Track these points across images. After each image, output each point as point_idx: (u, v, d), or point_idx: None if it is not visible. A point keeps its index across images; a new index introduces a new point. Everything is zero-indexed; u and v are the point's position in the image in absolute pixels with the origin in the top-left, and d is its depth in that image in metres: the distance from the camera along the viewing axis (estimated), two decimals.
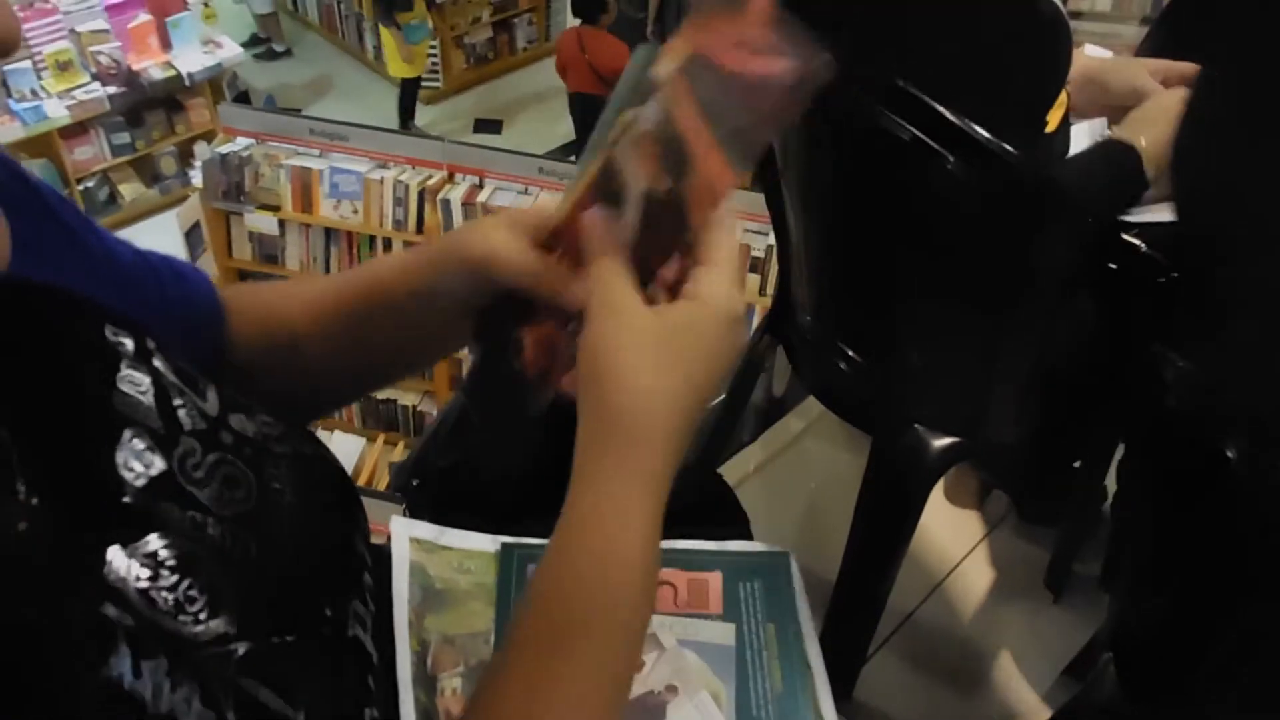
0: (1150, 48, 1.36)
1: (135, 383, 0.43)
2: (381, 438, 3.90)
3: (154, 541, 0.40)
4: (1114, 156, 1.02)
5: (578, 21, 5.02)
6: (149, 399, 0.44)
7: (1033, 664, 1.51)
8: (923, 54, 0.82)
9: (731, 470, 1.83)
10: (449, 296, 0.61)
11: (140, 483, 0.40)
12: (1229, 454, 0.70)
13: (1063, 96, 0.94)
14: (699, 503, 0.81)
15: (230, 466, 0.45)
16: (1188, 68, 1.11)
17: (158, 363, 0.45)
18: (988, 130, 0.82)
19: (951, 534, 1.67)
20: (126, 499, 0.40)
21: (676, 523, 0.54)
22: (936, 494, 1.66)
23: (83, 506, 0.39)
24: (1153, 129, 1.01)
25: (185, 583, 0.39)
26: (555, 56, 5.33)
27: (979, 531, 1.68)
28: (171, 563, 0.39)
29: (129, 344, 0.45)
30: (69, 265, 0.54)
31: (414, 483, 0.90)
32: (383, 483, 3.38)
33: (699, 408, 0.52)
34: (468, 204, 3.45)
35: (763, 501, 1.82)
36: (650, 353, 0.50)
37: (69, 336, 0.43)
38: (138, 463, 0.41)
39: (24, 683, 0.34)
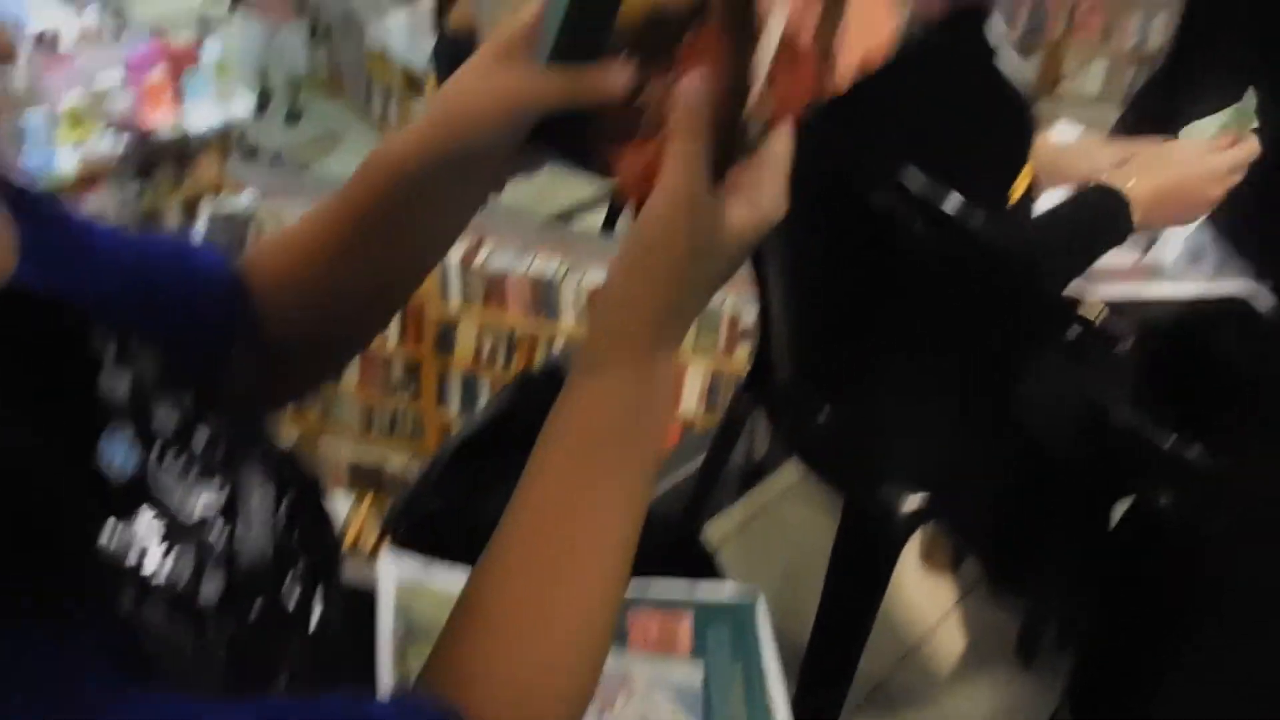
0: (1123, 128, 1.43)
1: (114, 384, 0.46)
2: (370, 497, 3.90)
3: (144, 513, 0.43)
4: (1098, 202, 1.04)
5: None
6: (126, 400, 0.47)
7: None
8: (895, 128, 0.87)
9: (713, 531, 1.85)
10: (468, 164, 0.61)
11: (123, 475, 0.44)
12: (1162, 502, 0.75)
13: (1028, 168, 1.00)
14: (680, 565, 0.85)
15: (202, 464, 0.48)
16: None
17: (139, 364, 0.49)
18: (955, 199, 0.87)
19: (925, 599, 1.69)
20: (113, 484, 0.44)
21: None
22: (911, 559, 1.70)
23: (73, 491, 0.42)
24: (1144, 174, 1.04)
25: (174, 552, 0.43)
26: None
27: (952, 597, 1.71)
28: (162, 533, 0.43)
29: (112, 347, 0.48)
30: (65, 262, 0.56)
31: (401, 528, 0.93)
32: (370, 541, 3.38)
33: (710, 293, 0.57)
34: (465, 264, 3.52)
35: (744, 564, 1.84)
36: (692, 256, 0.52)
37: (55, 341, 0.46)
38: (117, 458, 0.44)
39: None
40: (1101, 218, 1.03)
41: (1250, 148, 1.05)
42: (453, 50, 5.49)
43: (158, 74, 5.23)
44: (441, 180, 0.62)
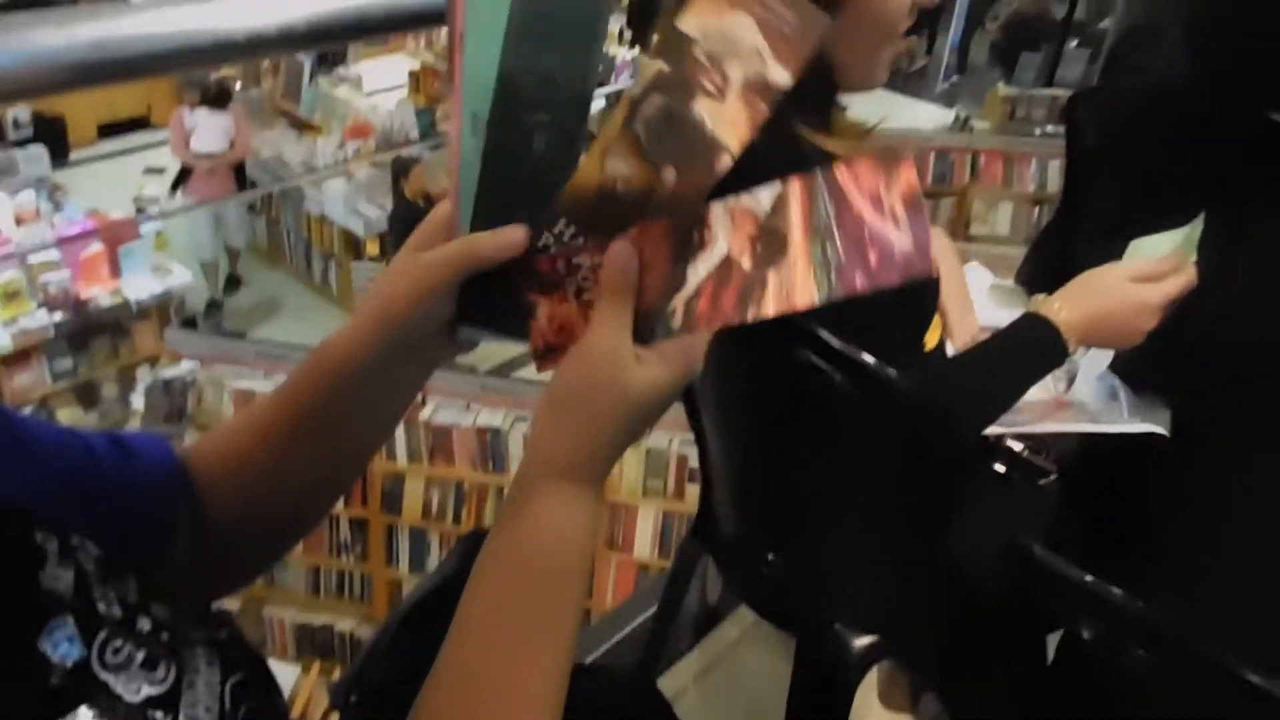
0: (1027, 271, 1.52)
1: (57, 579, 0.47)
2: (317, 665, 3.77)
3: (83, 713, 0.44)
4: (1030, 331, 1.06)
5: None
6: (69, 593, 0.48)
7: None
8: None
9: (669, 682, 1.83)
10: (406, 353, 0.64)
11: (65, 667, 0.44)
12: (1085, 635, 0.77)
13: (937, 320, 1.05)
14: (638, 718, 0.85)
15: (147, 651, 0.49)
16: None
17: (80, 558, 0.50)
18: (870, 353, 0.92)
19: None
20: (54, 680, 0.44)
21: None
22: (870, 697, 1.69)
23: (13, 691, 0.43)
24: (1073, 303, 1.06)
25: None
26: None
27: None
28: None
29: (54, 545, 0.49)
30: (4, 462, 0.57)
31: (352, 699, 0.91)
32: (319, 712, 3.26)
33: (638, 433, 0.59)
34: (409, 421, 3.52)
35: (702, 713, 1.81)
36: (613, 406, 0.55)
37: None
38: (59, 651, 0.45)
39: None
40: (1034, 346, 1.06)
41: (1186, 279, 1.05)
42: (408, 217, 5.65)
43: (95, 247, 5.27)
44: (379, 371, 0.64)
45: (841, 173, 0.53)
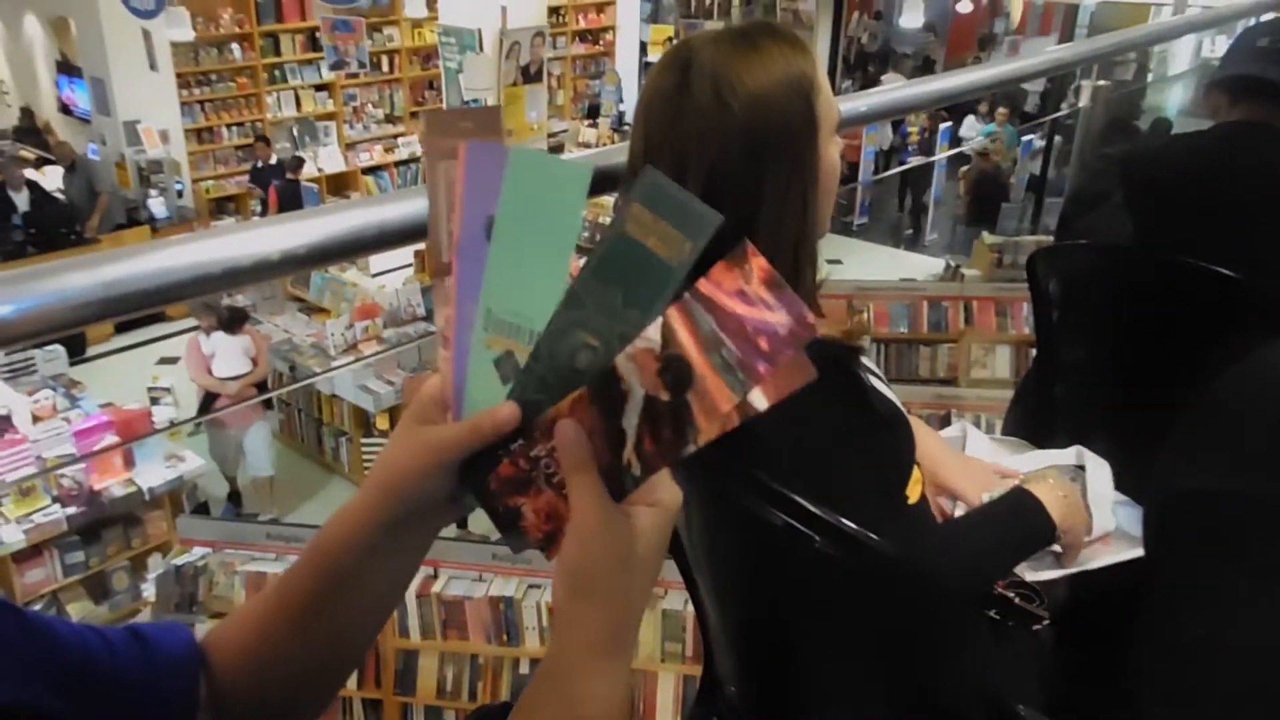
0: (1011, 421, 1.56)
1: None
2: None
3: None
4: (1017, 509, 1.11)
5: None
6: None
7: None
8: (776, 450, 0.95)
9: None
10: (411, 521, 0.67)
11: None
12: None
13: (916, 473, 1.08)
14: None
15: None
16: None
17: None
18: (850, 516, 0.95)
19: None
20: None
21: None
22: None
23: None
24: (1050, 491, 1.12)
25: None
26: None
27: None
28: None
29: None
30: (26, 668, 0.59)
31: None
32: None
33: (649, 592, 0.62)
34: (422, 595, 3.51)
35: None
36: (622, 567, 0.58)
37: None
38: None
39: None
40: (1029, 520, 1.11)
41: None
42: None
43: (108, 443, 5.35)
44: (387, 541, 0.67)
45: (705, 285, 0.57)
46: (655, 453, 0.59)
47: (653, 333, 0.58)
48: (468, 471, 0.64)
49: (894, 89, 1.83)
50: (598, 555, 0.59)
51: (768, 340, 0.56)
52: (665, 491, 0.60)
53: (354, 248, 0.83)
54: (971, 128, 11.25)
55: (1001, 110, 10.77)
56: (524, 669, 3.54)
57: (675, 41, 1.13)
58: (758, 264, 0.56)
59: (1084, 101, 2.53)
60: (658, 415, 0.58)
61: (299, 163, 9.99)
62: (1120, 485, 1.15)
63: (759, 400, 0.57)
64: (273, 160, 9.86)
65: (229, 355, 6.07)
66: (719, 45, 1.00)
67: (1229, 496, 0.84)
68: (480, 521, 6.12)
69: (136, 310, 0.73)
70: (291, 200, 9.06)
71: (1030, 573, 1.15)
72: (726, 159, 0.98)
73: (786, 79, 0.99)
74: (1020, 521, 1.13)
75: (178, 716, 0.68)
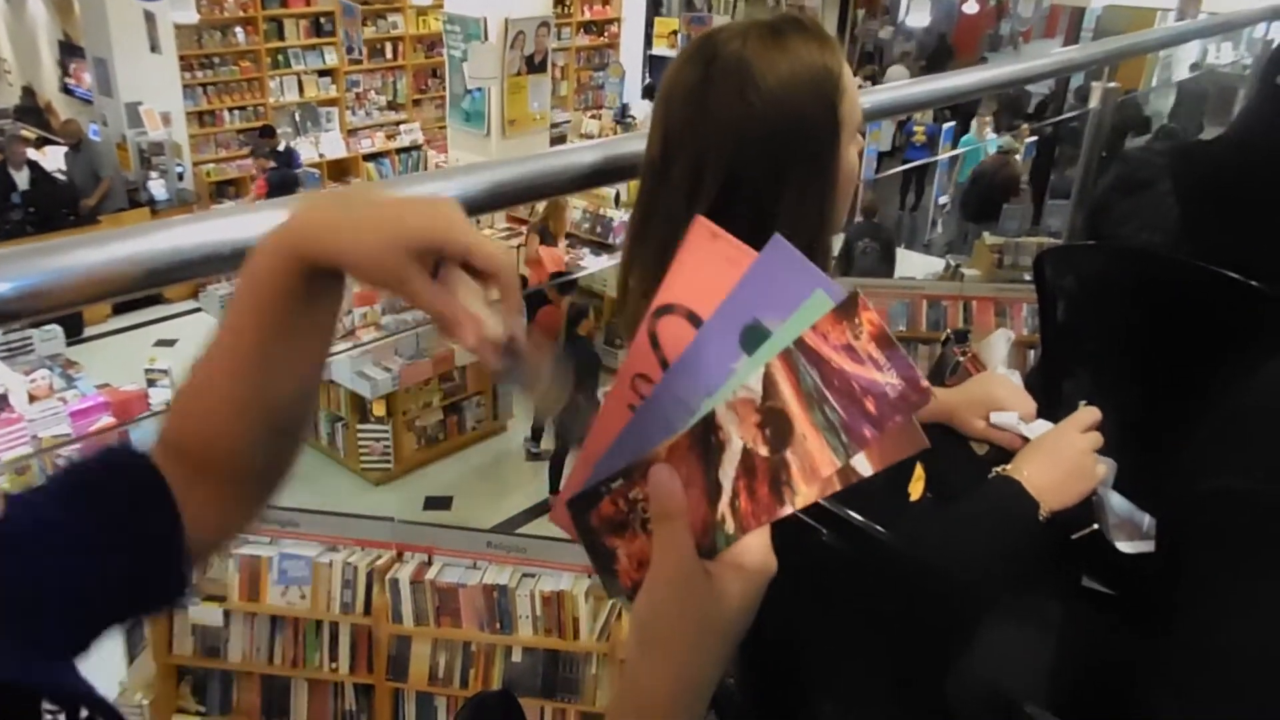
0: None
1: None
2: None
3: None
4: (998, 497, 1.09)
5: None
6: None
7: None
8: None
9: None
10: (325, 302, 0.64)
11: None
12: None
13: (918, 470, 1.08)
14: None
15: None
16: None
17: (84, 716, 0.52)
18: (857, 510, 0.95)
19: None
20: None
21: None
22: None
23: None
24: (1035, 463, 1.11)
25: None
26: (535, 328, 6.37)
27: None
28: None
29: (62, 717, 0.52)
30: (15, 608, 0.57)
31: None
32: None
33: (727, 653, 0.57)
34: (416, 581, 3.51)
35: None
36: (696, 628, 0.54)
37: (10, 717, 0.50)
38: None
39: None
40: (1006, 505, 1.09)
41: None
42: (582, 355, 6.04)
43: (104, 423, 5.36)
44: (301, 328, 0.63)
45: (811, 337, 0.53)
46: (749, 511, 0.56)
47: (754, 383, 0.55)
48: (574, 504, 0.61)
49: (900, 86, 1.83)
50: (670, 610, 0.55)
51: (875, 402, 0.52)
52: (757, 555, 0.56)
53: None
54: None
55: (1024, 126, 10.59)
56: (516, 657, 3.54)
57: (695, 35, 1.11)
58: (868, 318, 0.53)
59: (1094, 103, 2.53)
60: (754, 470, 0.55)
61: (290, 154, 9.93)
62: (1124, 486, 1.15)
63: (863, 466, 0.53)
64: (280, 147, 9.84)
65: None
66: (746, 39, 0.98)
67: (1257, 499, 0.83)
68: (475, 512, 6.13)
69: (143, 288, 0.73)
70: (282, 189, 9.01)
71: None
72: (746, 156, 0.97)
73: (812, 78, 0.98)
74: (1005, 511, 1.11)
75: (166, 539, 0.67)
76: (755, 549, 0.56)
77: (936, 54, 14.92)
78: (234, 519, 0.75)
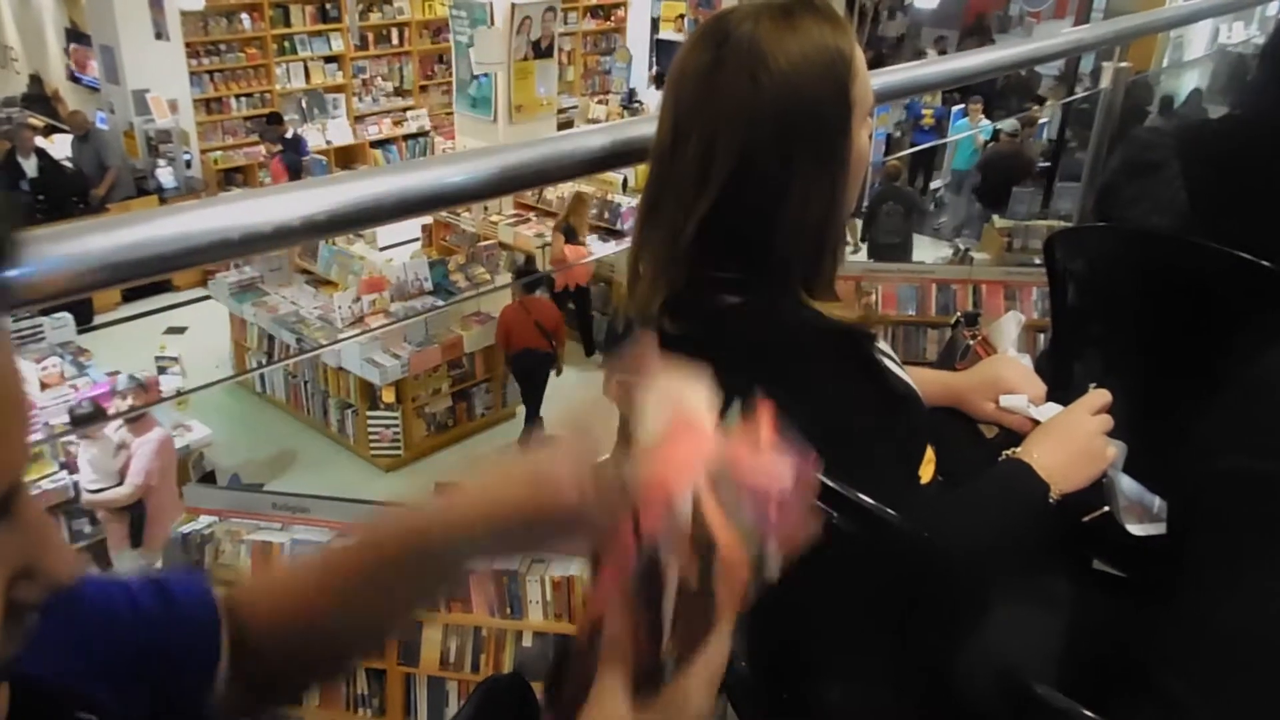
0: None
1: None
2: None
3: None
4: (1008, 479, 1.08)
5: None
6: None
7: None
8: (793, 427, 0.95)
9: None
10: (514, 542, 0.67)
11: None
12: None
13: (929, 454, 1.08)
14: None
15: None
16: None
17: None
18: (868, 492, 0.95)
19: None
20: None
21: None
22: None
23: None
24: (1044, 445, 1.09)
25: None
26: (497, 330, 6.54)
27: None
28: None
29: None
30: (59, 640, 0.59)
31: None
32: None
33: None
34: None
35: None
36: None
37: None
38: None
39: None
40: (1016, 486, 1.07)
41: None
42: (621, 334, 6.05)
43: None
44: (491, 544, 0.67)
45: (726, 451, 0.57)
46: (685, 639, 0.56)
47: (684, 509, 0.56)
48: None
49: (910, 67, 1.81)
50: None
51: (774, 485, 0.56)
52: (691, 709, 0.57)
53: (375, 215, 0.83)
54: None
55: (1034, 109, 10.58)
56: (527, 642, 3.56)
57: (701, 19, 1.10)
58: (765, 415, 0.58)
59: (1105, 84, 2.51)
60: (689, 601, 0.55)
61: (298, 141, 9.91)
62: (1134, 468, 1.14)
63: (773, 563, 0.57)
64: (288, 135, 9.84)
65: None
66: (758, 21, 0.98)
67: (1267, 478, 0.83)
68: None
69: (152, 273, 0.73)
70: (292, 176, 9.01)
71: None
72: (757, 139, 0.97)
73: (823, 61, 0.97)
74: (1015, 493, 1.09)
75: (197, 670, 0.69)
76: (695, 702, 0.56)
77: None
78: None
